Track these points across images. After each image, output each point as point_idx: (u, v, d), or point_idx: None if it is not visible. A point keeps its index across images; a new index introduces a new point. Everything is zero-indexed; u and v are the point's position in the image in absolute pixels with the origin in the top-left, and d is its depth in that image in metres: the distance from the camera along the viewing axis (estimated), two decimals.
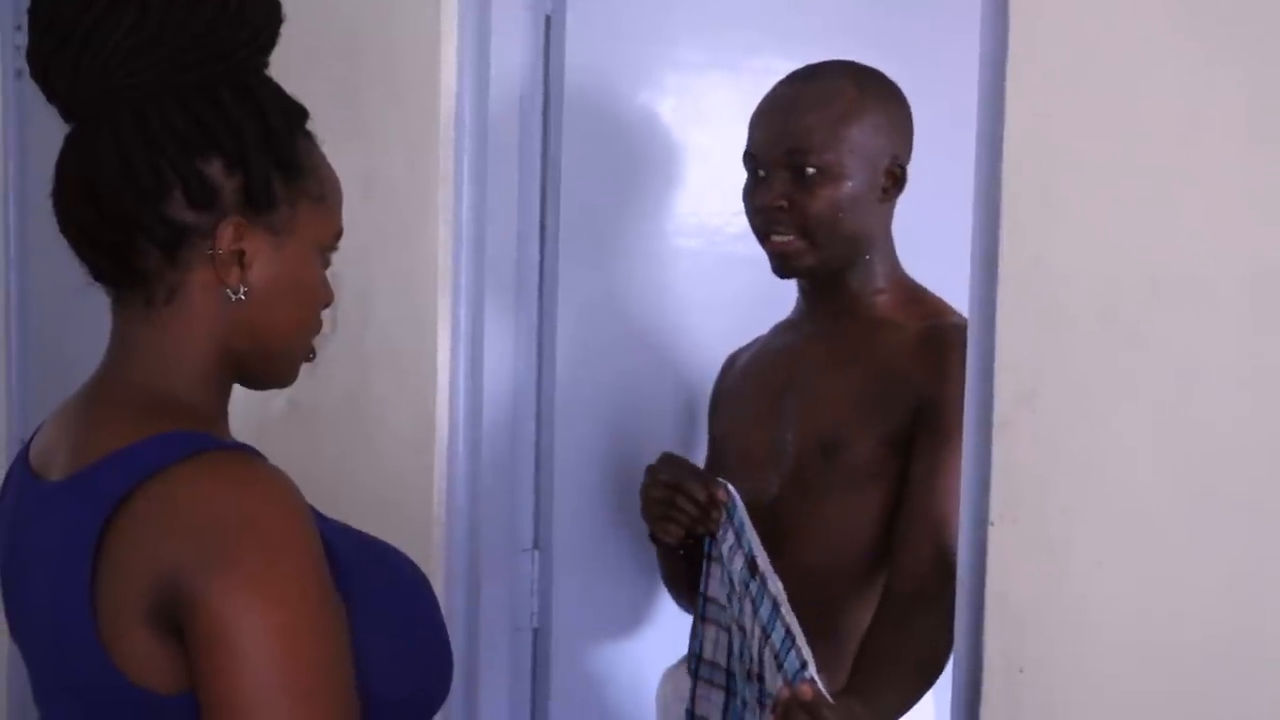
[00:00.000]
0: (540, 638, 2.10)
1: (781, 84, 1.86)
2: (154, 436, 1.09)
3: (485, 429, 1.99)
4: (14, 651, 1.23)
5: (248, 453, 1.11)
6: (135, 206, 1.12)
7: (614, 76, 2.10)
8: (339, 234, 1.23)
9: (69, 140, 1.15)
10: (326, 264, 1.23)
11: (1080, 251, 1.25)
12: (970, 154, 1.34)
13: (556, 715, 2.10)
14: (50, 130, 1.18)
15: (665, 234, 2.20)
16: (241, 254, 1.14)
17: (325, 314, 1.25)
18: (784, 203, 1.80)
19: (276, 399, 2.05)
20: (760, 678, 1.68)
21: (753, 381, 1.96)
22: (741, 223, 1.91)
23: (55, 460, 1.16)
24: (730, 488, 1.78)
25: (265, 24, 1.17)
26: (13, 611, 1.20)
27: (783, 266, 1.84)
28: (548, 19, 2.02)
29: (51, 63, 1.12)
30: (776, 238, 1.82)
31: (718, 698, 1.82)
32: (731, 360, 2.04)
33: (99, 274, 1.17)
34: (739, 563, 1.73)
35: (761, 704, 1.69)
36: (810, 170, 1.78)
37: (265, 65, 1.19)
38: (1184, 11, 1.20)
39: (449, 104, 1.94)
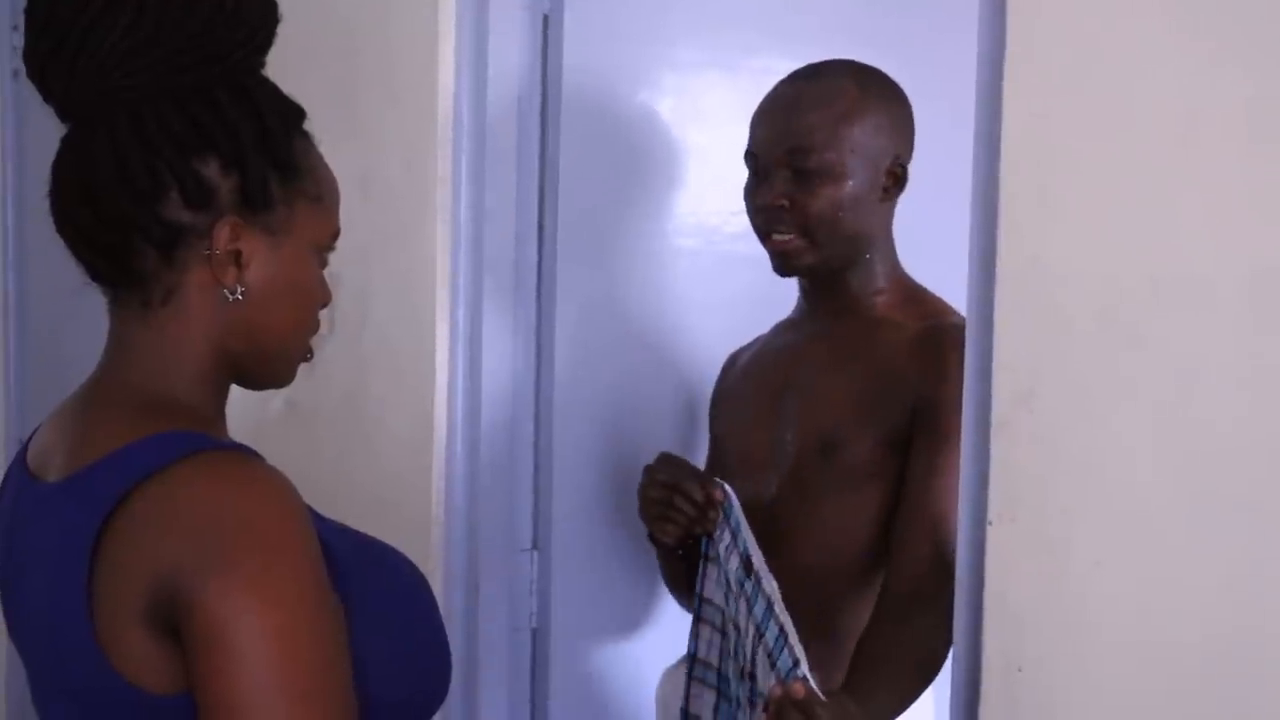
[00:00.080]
0: (539, 638, 2.10)
1: (783, 83, 1.86)
2: (151, 437, 1.09)
3: (484, 429, 1.99)
4: (13, 652, 1.23)
5: (245, 453, 1.11)
6: (132, 207, 1.12)
7: (612, 76, 2.10)
8: (336, 234, 1.23)
9: (65, 141, 1.15)
10: (324, 264, 1.23)
11: (1078, 251, 1.25)
12: (968, 154, 1.34)
13: (555, 715, 2.10)
14: (48, 130, 1.18)
15: (664, 234, 2.20)
16: (238, 254, 1.14)
17: (323, 314, 1.25)
18: (785, 202, 1.80)
19: (275, 399, 2.05)
20: (753, 676, 1.68)
21: (753, 382, 1.96)
22: (740, 222, 1.91)
23: (52, 461, 1.16)
24: (727, 488, 1.78)
25: (262, 24, 1.17)
26: (10, 613, 1.20)
27: (783, 265, 1.84)
28: (545, 19, 2.02)
29: (48, 64, 1.12)
30: (777, 236, 1.82)
31: (709, 697, 1.82)
32: (732, 360, 2.04)
33: (95, 275, 1.17)
34: (735, 562, 1.73)
35: (753, 703, 1.69)
36: (811, 169, 1.79)
37: (262, 66, 1.19)
38: (1182, 11, 1.20)
39: (447, 104, 1.94)
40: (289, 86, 1.21)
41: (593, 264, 2.10)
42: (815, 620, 1.80)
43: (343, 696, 1.06)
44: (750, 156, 1.86)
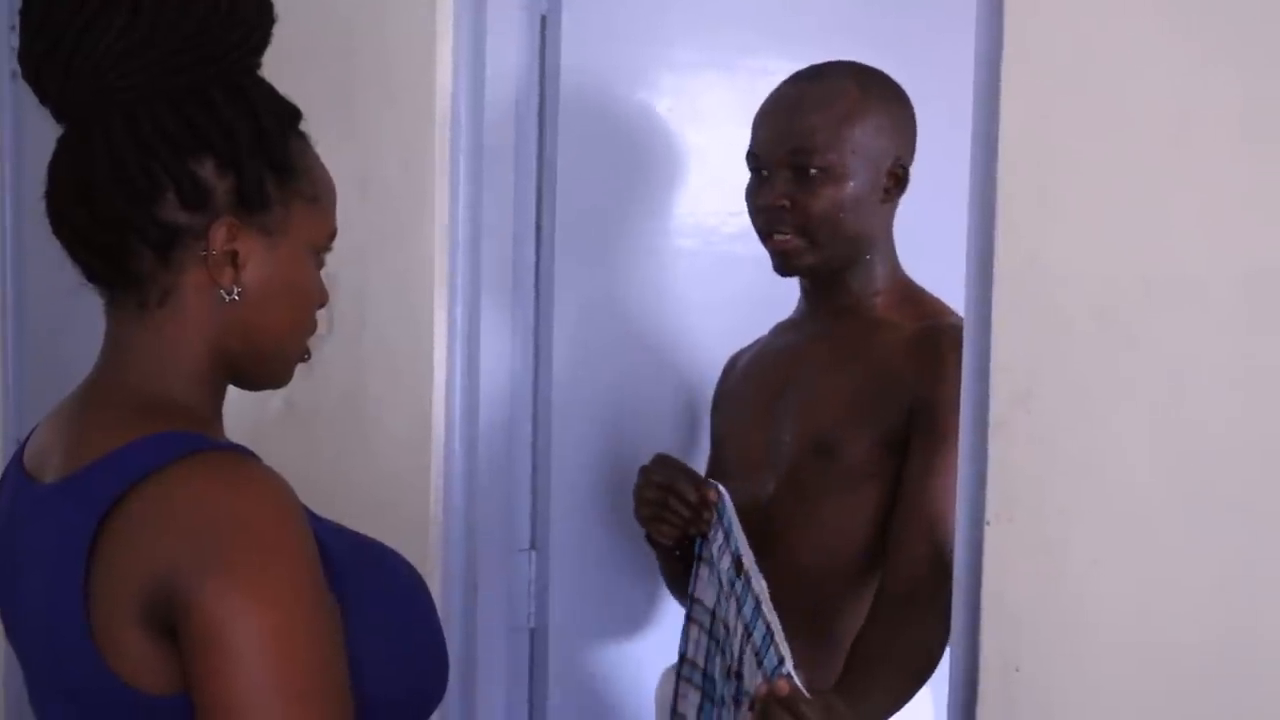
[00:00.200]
0: (537, 638, 2.10)
1: (785, 84, 1.86)
2: (148, 437, 1.09)
3: (482, 429, 1.99)
4: (11, 653, 1.23)
5: (241, 453, 1.11)
6: (128, 208, 1.12)
7: (610, 77, 2.10)
8: (333, 234, 1.23)
9: (61, 142, 1.15)
10: (321, 265, 1.23)
11: (1076, 252, 1.25)
12: (966, 154, 1.34)
13: (553, 715, 2.10)
14: (47, 131, 1.18)
15: (662, 234, 2.20)
16: (235, 255, 1.14)
17: (321, 314, 1.25)
18: (786, 202, 1.80)
19: (273, 399, 2.05)
20: (739, 675, 1.68)
21: (752, 383, 1.97)
22: (739, 222, 1.91)
23: (49, 462, 1.16)
24: (720, 488, 1.78)
25: (257, 25, 1.16)
26: (8, 613, 1.20)
27: (784, 265, 1.85)
28: (543, 19, 2.02)
29: (43, 65, 1.12)
30: (778, 237, 1.82)
31: (694, 698, 1.82)
32: (732, 362, 2.04)
33: (92, 275, 1.17)
34: (727, 562, 1.74)
35: (738, 701, 1.69)
36: (813, 170, 1.79)
37: (258, 66, 1.19)
38: (1178, 12, 1.20)
39: (444, 104, 1.94)
40: (287, 87, 1.21)
41: (591, 264, 2.10)
42: (812, 620, 1.80)
43: (339, 696, 1.06)
44: (752, 157, 1.86)
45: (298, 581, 1.04)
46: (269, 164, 1.15)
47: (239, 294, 1.15)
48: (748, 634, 1.66)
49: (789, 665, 1.57)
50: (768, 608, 1.64)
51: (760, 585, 1.67)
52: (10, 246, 2.58)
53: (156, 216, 1.12)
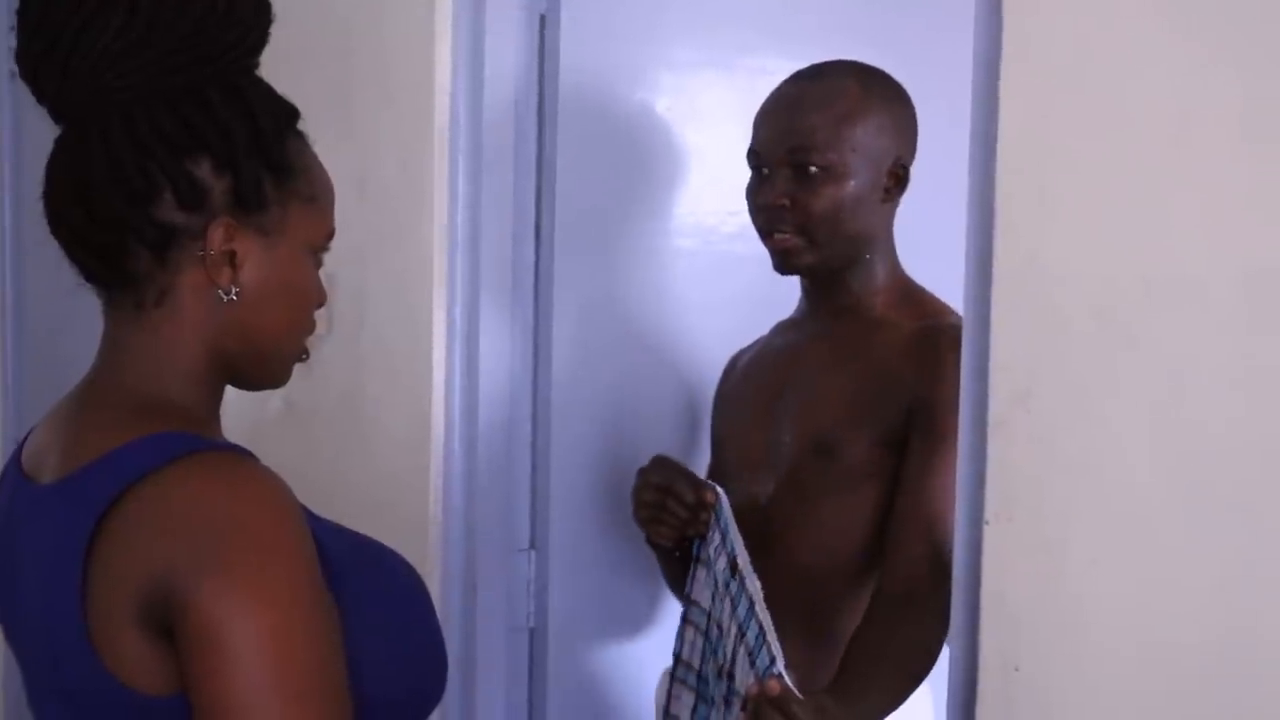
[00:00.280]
0: (537, 638, 2.10)
1: (786, 83, 1.86)
2: (145, 438, 1.09)
3: (481, 429, 1.99)
4: (10, 654, 1.23)
5: (239, 453, 1.11)
6: (125, 208, 1.11)
7: (609, 76, 2.10)
8: (330, 234, 1.23)
9: (59, 142, 1.15)
10: (318, 265, 1.23)
11: (1075, 251, 1.25)
12: (965, 154, 1.34)
13: (553, 715, 2.10)
14: (46, 131, 1.18)
15: (661, 233, 2.20)
16: (232, 255, 1.14)
17: (320, 314, 1.25)
18: (786, 201, 1.80)
19: (272, 399, 2.05)
20: (730, 675, 1.68)
21: (753, 383, 1.97)
22: (738, 222, 1.91)
23: (47, 463, 1.16)
24: (718, 489, 1.78)
25: (254, 25, 1.16)
26: (6, 614, 1.20)
27: (783, 264, 1.85)
28: (542, 18, 2.02)
29: (40, 65, 1.12)
30: (778, 235, 1.82)
31: (688, 699, 1.82)
32: (733, 362, 2.04)
33: (90, 276, 1.17)
34: (723, 563, 1.74)
35: (728, 701, 1.69)
36: (813, 169, 1.79)
37: (255, 66, 1.18)
38: (1177, 11, 1.20)
39: (443, 104, 1.94)
40: (285, 87, 1.21)
41: (590, 264, 2.10)
42: (811, 620, 1.80)
43: (337, 696, 1.06)
44: (753, 155, 1.86)
45: (295, 581, 1.04)
46: (266, 164, 1.15)
47: (236, 294, 1.15)
48: (741, 634, 1.66)
49: (780, 665, 1.57)
50: (761, 608, 1.64)
51: (754, 586, 1.67)
52: (10, 246, 2.58)
53: (153, 216, 1.12)
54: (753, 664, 1.62)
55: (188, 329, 1.15)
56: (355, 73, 2.03)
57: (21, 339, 2.61)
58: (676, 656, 1.85)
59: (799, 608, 1.78)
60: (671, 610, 2.05)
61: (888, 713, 1.68)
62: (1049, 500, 1.28)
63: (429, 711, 1.23)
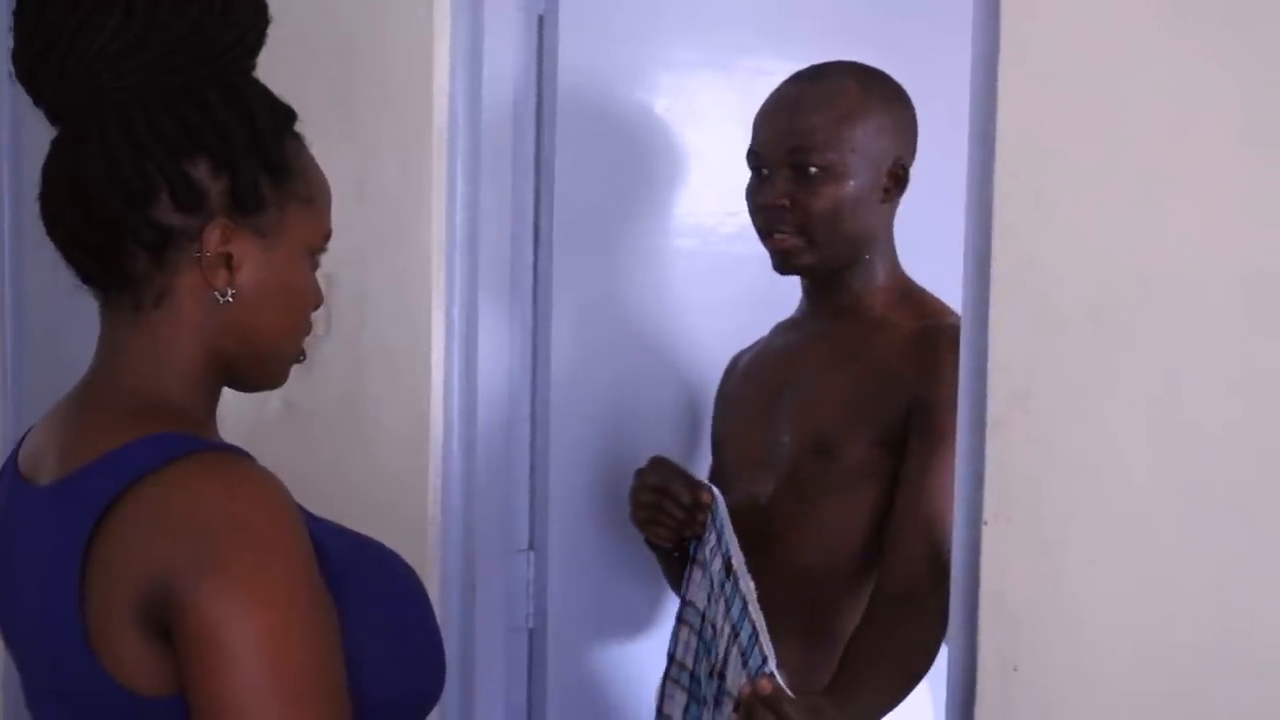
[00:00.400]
0: (536, 638, 2.10)
1: (786, 83, 1.87)
2: (143, 439, 1.08)
3: (480, 429, 1.99)
4: (8, 654, 1.23)
5: (236, 454, 1.11)
6: (122, 209, 1.11)
7: (607, 77, 2.10)
8: (328, 236, 1.23)
9: (56, 143, 1.15)
10: (316, 266, 1.23)
11: (1073, 252, 1.25)
12: (963, 155, 1.34)
13: (552, 716, 2.10)
14: (45, 131, 1.18)
15: (660, 234, 2.20)
16: (229, 256, 1.14)
17: (319, 315, 1.25)
18: (786, 201, 1.80)
19: (272, 400, 2.05)
20: (722, 675, 1.68)
21: (752, 383, 1.97)
22: (737, 222, 1.91)
23: (44, 464, 1.16)
24: (714, 490, 1.79)
25: (252, 25, 1.16)
26: (4, 616, 1.20)
27: (783, 264, 1.85)
28: (540, 19, 2.02)
29: (37, 66, 1.12)
30: (778, 236, 1.82)
31: (681, 698, 1.83)
32: (734, 362, 2.05)
33: (87, 277, 1.17)
34: (718, 563, 1.74)
35: (719, 701, 1.69)
36: (813, 170, 1.79)
37: (253, 67, 1.18)
38: (1174, 14, 1.20)
39: (442, 105, 1.94)
40: (284, 88, 1.20)
41: (589, 264, 2.11)
42: (810, 620, 1.80)
43: (336, 697, 1.06)
44: (752, 155, 1.86)
45: (293, 582, 1.04)
46: (264, 165, 1.15)
47: (234, 296, 1.15)
48: (734, 634, 1.66)
49: (772, 664, 1.57)
50: (754, 608, 1.64)
51: (748, 586, 1.67)
52: (10, 246, 2.58)
53: (151, 218, 1.12)
54: (745, 664, 1.62)
55: (185, 330, 1.15)
56: (355, 74, 2.03)
57: (21, 339, 2.60)
58: (671, 656, 1.85)
59: (798, 607, 1.78)
60: (671, 610, 2.05)
61: (886, 712, 1.68)
62: (1047, 500, 1.28)
63: (428, 712, 1.23)
